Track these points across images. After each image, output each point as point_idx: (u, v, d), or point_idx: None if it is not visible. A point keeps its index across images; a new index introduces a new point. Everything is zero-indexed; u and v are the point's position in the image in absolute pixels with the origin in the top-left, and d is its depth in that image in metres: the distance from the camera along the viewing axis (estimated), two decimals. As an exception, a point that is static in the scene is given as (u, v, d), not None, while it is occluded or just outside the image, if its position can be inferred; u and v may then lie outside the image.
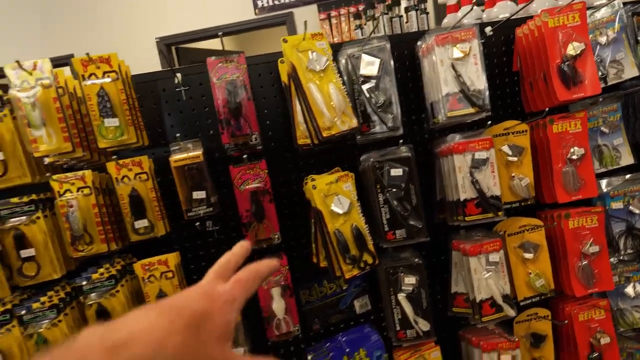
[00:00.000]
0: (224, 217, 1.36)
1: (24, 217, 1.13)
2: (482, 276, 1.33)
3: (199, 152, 1.17)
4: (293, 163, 1.42)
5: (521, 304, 1.40)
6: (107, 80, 1.11)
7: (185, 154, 1.16)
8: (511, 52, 1.49)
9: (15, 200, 1.13)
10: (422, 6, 2.21)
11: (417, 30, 2.16)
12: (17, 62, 1.03)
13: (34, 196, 1.15)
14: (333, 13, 4.70)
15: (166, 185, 1.29)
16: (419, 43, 1.38)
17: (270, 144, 1.39)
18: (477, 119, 1.32)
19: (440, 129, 1.43)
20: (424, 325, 1.34)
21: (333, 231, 1.20)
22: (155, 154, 1.30)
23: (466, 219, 1.32)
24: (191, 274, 1.37)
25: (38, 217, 1.13)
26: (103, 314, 1.14)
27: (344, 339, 1.42)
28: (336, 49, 1.31)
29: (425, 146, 1.48)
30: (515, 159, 1.39)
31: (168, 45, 4.71)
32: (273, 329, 1.28)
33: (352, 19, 4.13)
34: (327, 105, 1.14)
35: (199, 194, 1.16)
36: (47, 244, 1.14)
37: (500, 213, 1.31)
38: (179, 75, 1.27)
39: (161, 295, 1.17)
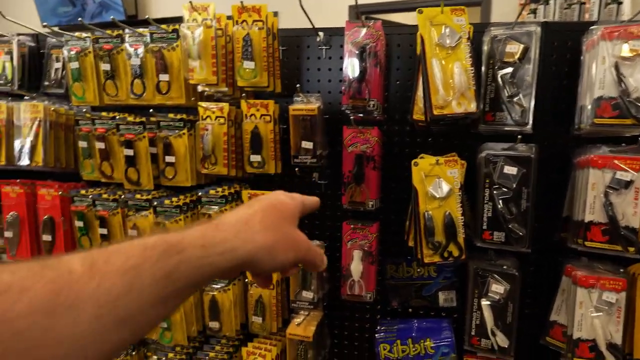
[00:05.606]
0: (332, 174, 1.44)
1: (174, 131, 1.38)
2: (589, 313, 1.15)
3: (315, 106, 1.25)
4: (411, 138, 1.40)
5: (634, 362, 1.17)
6: (254, 28, 1.26)
7: (303, 106, 1.26)
8: None
9: (171, 115, 1.40)
10: (615, -6, 1.84)
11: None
12: (191, 2, 1.25)
13: (184, 115, 1.40)
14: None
15: (288, 133, 1.42)
16: (584, 36, 1.20)
17: (392, 114, 1.40)
18: (634, 135, 1.11)
19: (588, 137, 1.24)
20: (501, 341, 1.23)
21: (423, 212, 1.17)
22: (287, 103, 1.43)
23: (586, 243, 1.14)
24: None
25: (183, 133, 1.38)
26: (211, 225, 1.35)
27: (416, 325, 1.40)
28: (481, 29, 1.22)
29: (566, 153, 1.30)
30: (676, 192, 1.13)
31: (357, 14, 4.89)
32: (346, 287, 1.33)
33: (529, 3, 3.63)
34: (444, 84, 1.10)
35: (307, 144, 1.26)
36: (185, 156, 1.39)
37: (631, 249, 1.09)
38: (321, 34, 1.36)
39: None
